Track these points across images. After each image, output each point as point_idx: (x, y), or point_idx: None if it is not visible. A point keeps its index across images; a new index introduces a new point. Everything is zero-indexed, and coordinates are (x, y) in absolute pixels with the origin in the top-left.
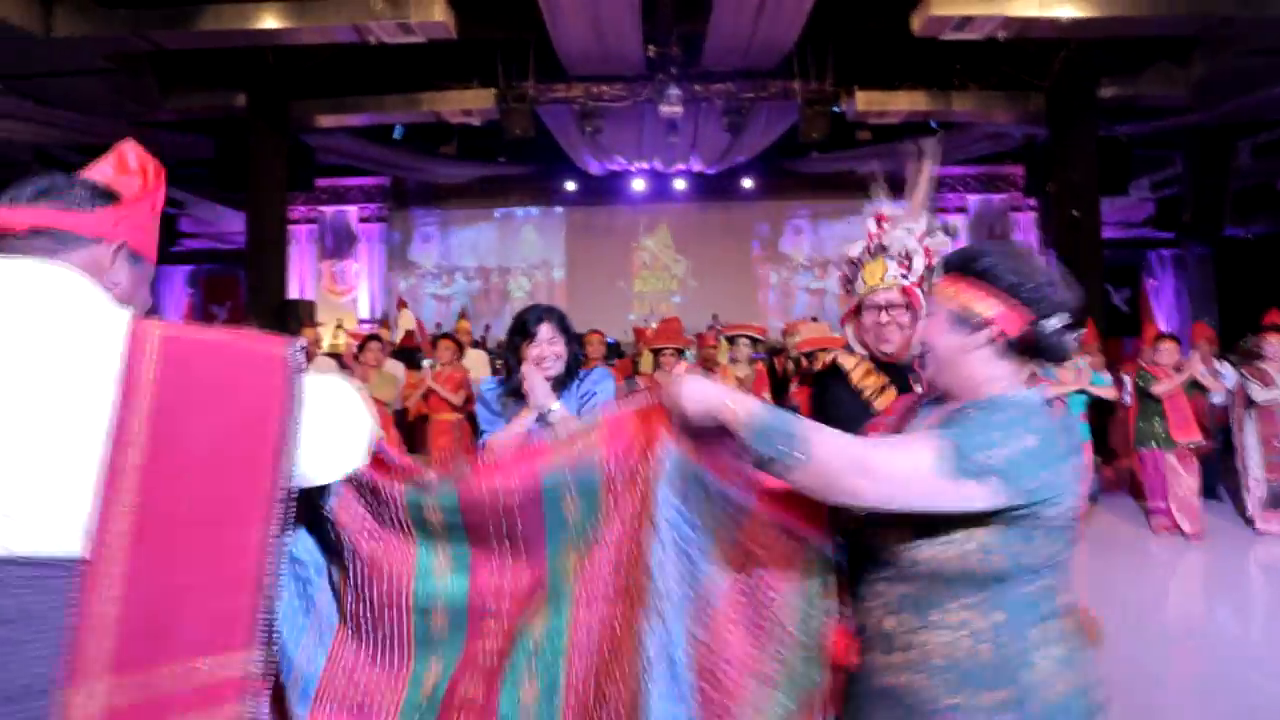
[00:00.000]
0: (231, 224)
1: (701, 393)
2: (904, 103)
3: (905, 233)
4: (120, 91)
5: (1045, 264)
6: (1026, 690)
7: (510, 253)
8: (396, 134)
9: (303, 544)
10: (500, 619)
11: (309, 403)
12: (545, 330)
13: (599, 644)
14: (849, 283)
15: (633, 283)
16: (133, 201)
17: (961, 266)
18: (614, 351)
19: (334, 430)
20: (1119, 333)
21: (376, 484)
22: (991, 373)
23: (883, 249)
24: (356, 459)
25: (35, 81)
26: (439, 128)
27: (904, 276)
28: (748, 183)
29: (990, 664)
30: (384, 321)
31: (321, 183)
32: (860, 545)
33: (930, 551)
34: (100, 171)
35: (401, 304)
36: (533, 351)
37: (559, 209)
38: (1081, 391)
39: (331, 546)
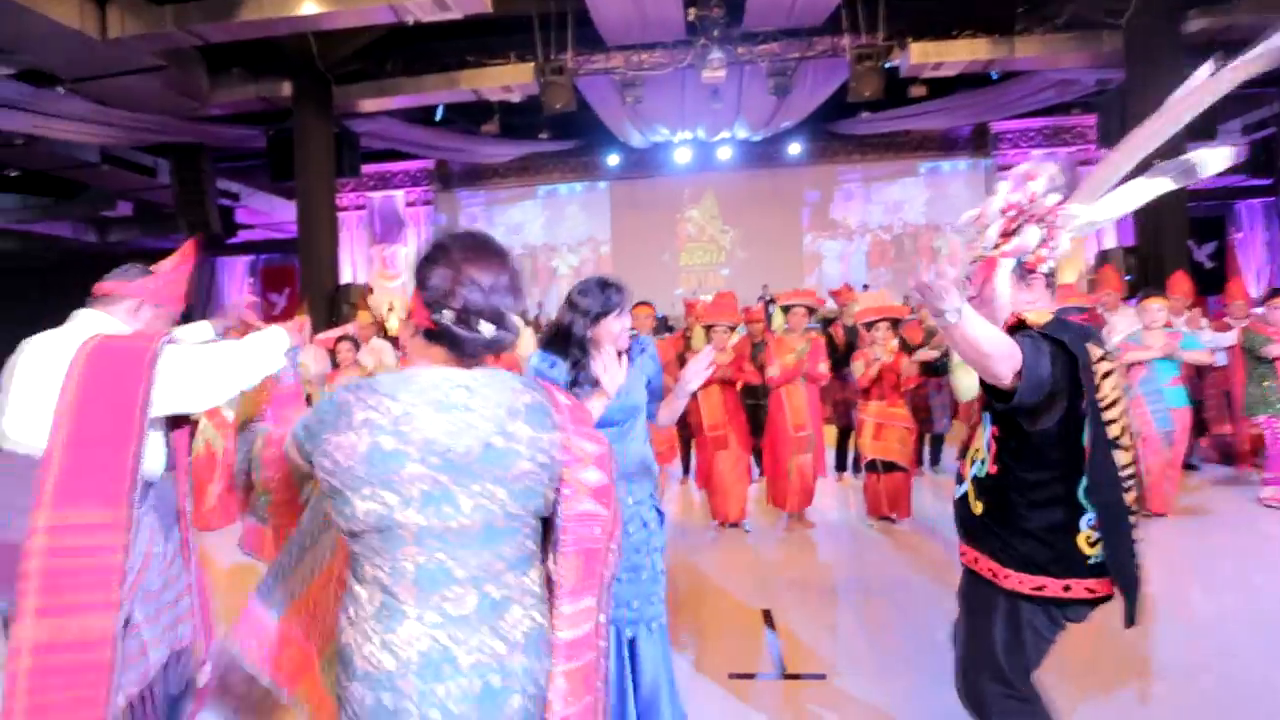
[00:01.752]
0: (285, 213)
1: None
2: (962, 52)
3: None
4: (172, 87)
5: (480, 261)
6: None
7: (556, 230)
8: (438, 115)
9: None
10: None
11: (165, 369)
12: (628, 305)
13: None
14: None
15: (679, 256)
16: (163, 274)
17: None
18: (663, 326)
19: (179, 384)
20: (1203, 291)
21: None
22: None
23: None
24: (193, 404)
25: (95, 83)
26: (480, 107)
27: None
28: (795, 148)
29: None
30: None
31: (368, 169)
32: None
33: None
34: (167, 259)
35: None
36: (616, 326)
37: (602, 184)
38: (1170, 357)
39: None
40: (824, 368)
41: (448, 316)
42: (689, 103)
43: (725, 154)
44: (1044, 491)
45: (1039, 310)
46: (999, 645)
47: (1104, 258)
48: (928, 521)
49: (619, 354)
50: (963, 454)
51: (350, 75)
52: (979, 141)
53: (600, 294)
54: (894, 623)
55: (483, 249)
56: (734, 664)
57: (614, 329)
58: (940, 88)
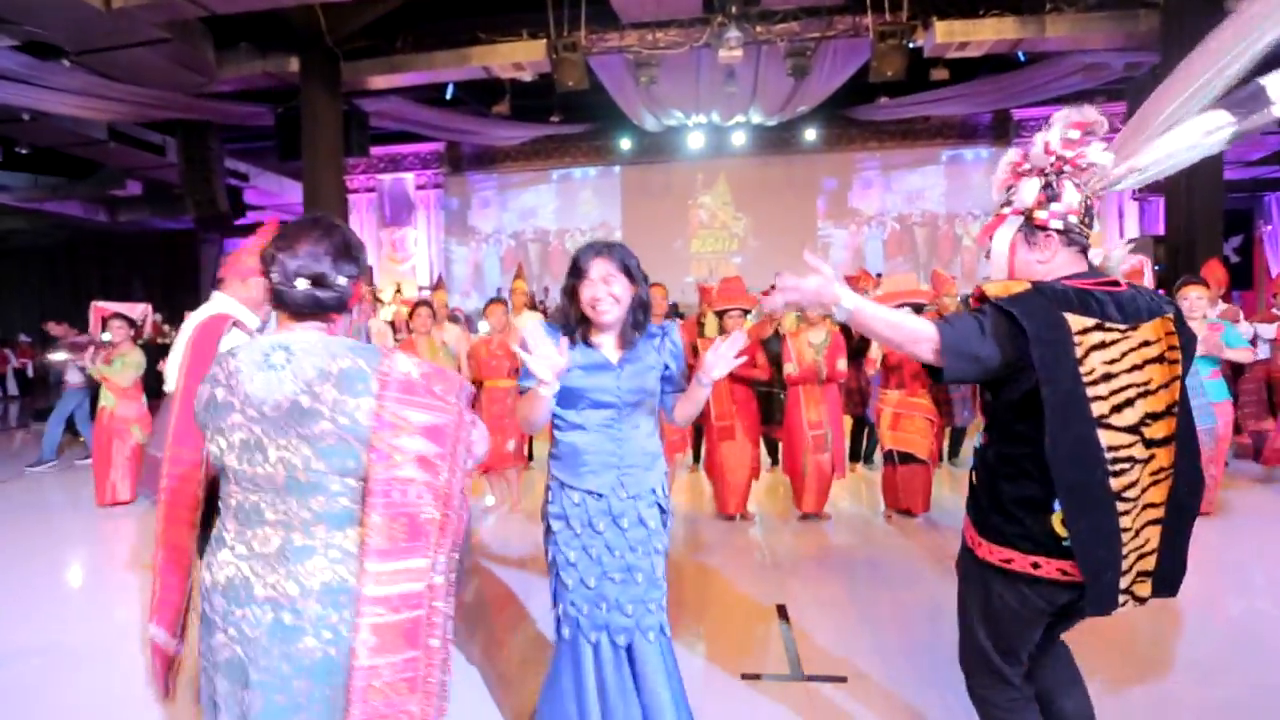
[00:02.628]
0: (295, 195)
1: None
2: (989, 31)
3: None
4: (178, 61)
5: (302, 234)
6: None
7: (569, 215)
8: (448, 95)
9: None
10: None
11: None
12: (599, 267)
13: None
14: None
15: (690, 243)
16: (240, 251)
17: None
18: (674, 312)
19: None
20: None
21: None
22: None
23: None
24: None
25: (99, 56)
26: (491, 87)
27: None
28: (811, 134)
29: None
30: (437, 286)
31: (378, 150)
32: None
33: None
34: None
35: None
36: (585, 293)
37: (616, 168)
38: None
39: None
40: (843, 364)
41: (274, 278)
42: (704, 85)
43: (739, 139)
44: (1017, 465)
45: (1016, 280)
46: (977, 620)
47: (1131, 247)
48: (947, 516)
49: (624, 334)
50: None
51: (359, 51)
52: (1000, 129)
53: (577, 255)
54: (915, 621)
55: (308, 224)
56: (746, 664)
57: (584, 296)
58: (962, 72)
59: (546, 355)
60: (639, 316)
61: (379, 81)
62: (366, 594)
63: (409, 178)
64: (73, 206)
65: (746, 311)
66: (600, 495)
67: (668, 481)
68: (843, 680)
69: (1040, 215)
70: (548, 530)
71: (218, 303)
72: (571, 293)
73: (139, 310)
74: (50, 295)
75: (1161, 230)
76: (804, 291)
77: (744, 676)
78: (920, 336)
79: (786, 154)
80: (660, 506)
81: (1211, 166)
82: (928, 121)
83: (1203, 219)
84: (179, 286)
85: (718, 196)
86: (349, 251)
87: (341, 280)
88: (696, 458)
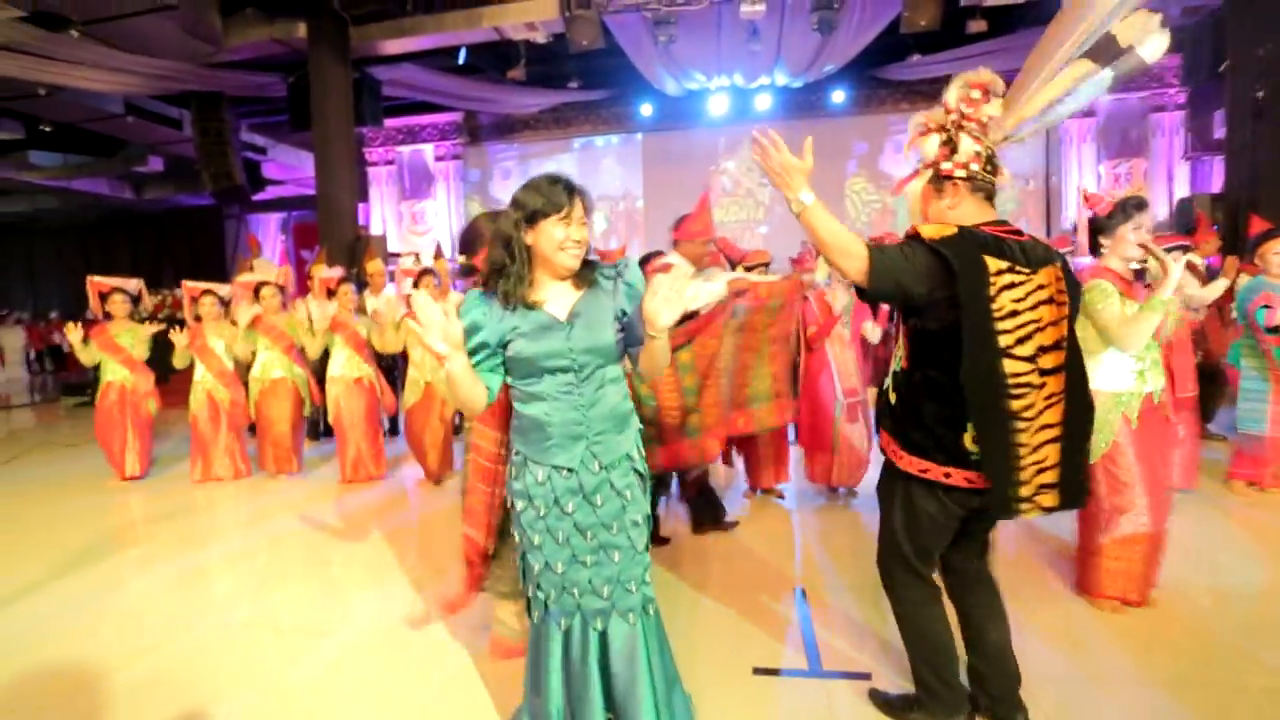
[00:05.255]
0: (313, 168)
1: None
2: None
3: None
4: (185, 29)
5: None
6: None
7: (591, 184)
8: (460, 59)
9: None
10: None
11: None
12: (579, 207)
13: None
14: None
15: (714, 211)
16: None
17: None
18: None
19: None
20: None
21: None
22: None
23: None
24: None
25: (107, 25)
26: (505, 53)
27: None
28: (839, 96)
29: None
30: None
31: (395, 122)
32: None
33: None
34: None
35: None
36: (559, 233)
37: (639, 136)
38: None
39: None
40: (870, 328)
41: None
42: (725, 43)
43: (764, 103)
44: (938, 387)
45: (946, 224)
46: (899, 524)
47: (1185, 205)
48: None
49: (579, 276)
50: None
51: (368, 16)
52: None
53: (547, 188)
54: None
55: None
56: (761, 657)
57: (556, 236)
58: (1001, 25)
59: (434, 323)
60: (591, 257)
61: (389, 46)
62: None
63: (427, 149)
64: (100, 185)
65: (766, 265)
66: (570, 471)
67: (641, 440)
68: (866, 677)
69: (945, 166)
70: (512, 506)
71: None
72: (517, 242)
73: (134, 284)
74: (83, 274)
75: (1217, 189)
76: (773, 160)
77: (756, 671)
78: (852, 253)
79: (814, 118)
80: (637, 471)
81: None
82: None
83: (1269, 175)
84: (206, 264)
85: (742, 163)
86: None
87: None
88: None
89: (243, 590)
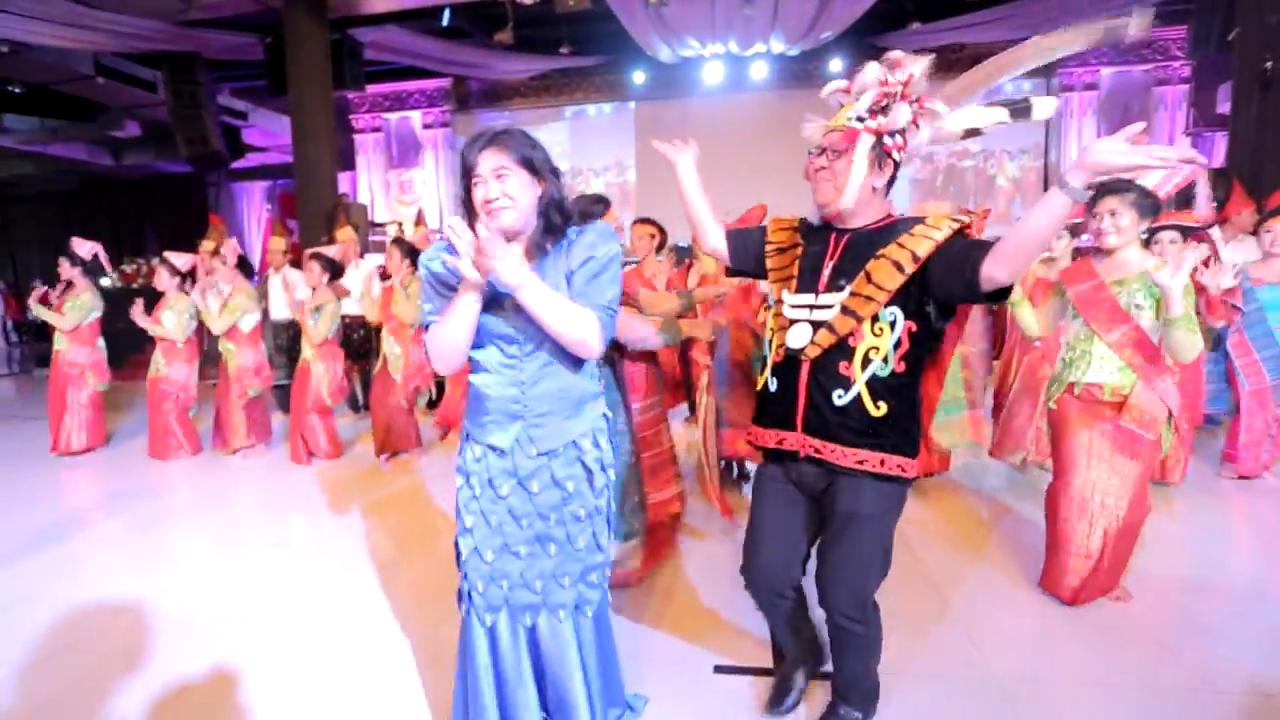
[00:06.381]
0: None
1: None
2: None
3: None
4: None
5: None
6: None
7: (584, 153)
8: (445, 20)
9: None
10: None
11: None
12: (489, 159)
13: None
14: None
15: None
16: None
17: None
18: (687, 253)
19: None
20: None
21: None
22: None
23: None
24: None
25: None
26: (492, 16)
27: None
28: (836, 64)
29: None
30: (418, 221)
31: (381, 88)
32: None
33: None
34: None
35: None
36: (477, 194)
37: (632, 104)
38: None
39: None
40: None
41: None
42: (720, 7)
43: (759, 72)
44: (920, 389)
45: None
46: (890, 539)
47: (1221, 174)
48: (963, 475)
49: (533, 244)
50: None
51: None
52: None
53: (468, 146)
54: (933, 606)
55: None
56: (723, 655)
57: (476, 198)
58: None
59: (468, 243)
60: (553, 219)
61: (371, 4)
62: None
63: (415, 116)
64: (78, 150)
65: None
66: (503, 452)
67: (607, 429)
68: (829, 676)
69: (893, 141)
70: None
71: None
72: (466, 199)
73: (86, 248)
74: (62, 241)
75: (1218, 163)
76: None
77: (718, 670)
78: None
79: (811, 87)
80: (584, 464)
81: None
82: (963, 50)
83: (1275, 148)
84: (187, 231)
85: (737, 132)
86: None
87: None
88: (692, 407)
89: (277, 571)
